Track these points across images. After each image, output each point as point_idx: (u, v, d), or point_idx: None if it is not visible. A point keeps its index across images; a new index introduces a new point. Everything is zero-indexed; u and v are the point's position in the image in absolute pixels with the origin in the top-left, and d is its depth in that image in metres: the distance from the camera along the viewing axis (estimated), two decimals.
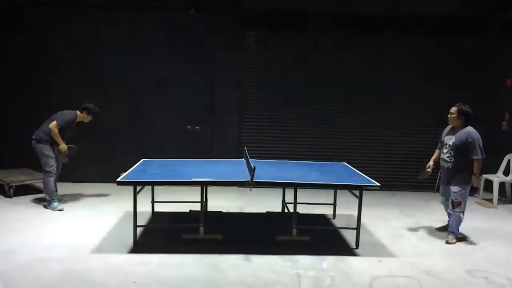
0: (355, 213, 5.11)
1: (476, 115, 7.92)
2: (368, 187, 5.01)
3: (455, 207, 5.30)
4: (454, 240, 5.39)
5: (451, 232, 5.41)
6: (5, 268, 4.32)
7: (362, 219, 5.16)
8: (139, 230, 5.18)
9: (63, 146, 6.12)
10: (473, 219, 6.46)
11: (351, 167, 6.13)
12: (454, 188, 5.29)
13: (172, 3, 7.72)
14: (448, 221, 5.55)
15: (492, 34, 7.88)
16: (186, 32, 7.84)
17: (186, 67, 7.91)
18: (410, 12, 7.76)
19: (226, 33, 7.86)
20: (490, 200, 7.35)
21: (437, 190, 7.02)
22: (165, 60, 7.88)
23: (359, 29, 7.90)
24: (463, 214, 5.35)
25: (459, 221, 5.36)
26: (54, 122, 6.08)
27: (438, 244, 5.38)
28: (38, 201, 6.63)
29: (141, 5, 7.69)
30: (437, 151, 5.70)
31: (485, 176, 7.50)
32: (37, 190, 7.15)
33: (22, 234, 5.26)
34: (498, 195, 7.27)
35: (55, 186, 6.32)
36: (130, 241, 5.00)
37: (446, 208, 5.57)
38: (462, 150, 5.22)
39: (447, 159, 5.35)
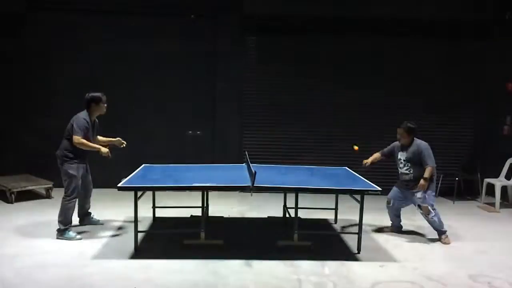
0: (357, 217, 5.10)
1: (479, 119, 8.05)
2: (369, 192, 5.00)
3: (426, 212, 5.48)
4: (448, 238, 5.53)
5: (441, 232, 5.56)
6: (5, 273, 4.32)
7: (364, 224, 5.15)
8: (140, 235, 5.17)
9: (104, 150, 5.28)
10: (475, 223, 6.45)
11: (352, 172, 6.12)
12: (418, 194, 5.49)
13: (172, 8, 7.74)
14: (393, 224, 5.90)
15: (493, 37, 7.88)
16: (187, 37, 7.86)
17: (187, 72, 7.94)
18: (412, 15, 7.77)
19: (227, 38, 7.88)
20: (492, 204, 7.32)
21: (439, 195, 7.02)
22: (166, 65, 7.90)
23: (360, 32, 7.91)
24: (437, 213, 5.49)
25: (438, 220, 5.51)
26: (75, 137, 5.16)
27: (440, 248, 5.35)
28: (39, 206, 6.64)
29: (141, 11, 7.72)
30: (378, 154, 5.89)
31: (487, 180, 7.49)
32: (38, 196, 7.16)
33: (23, 239, 5.26)
34: (500, 199, 7.24)
35: (85, 208, 5.78)
36: (131, 247, 4.99)
37: (393, 212, 5.82)
38: (416, 161, 5.51)
39: (406, 171, 5.61)
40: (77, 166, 5.30)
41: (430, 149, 5.52)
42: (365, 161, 5.83)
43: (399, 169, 5.73)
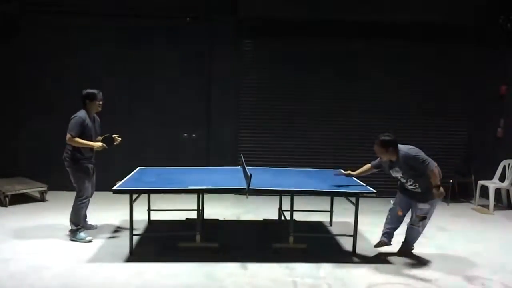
0: (352, 220, 5.11)
1: (473, 122, 8.10)
2: (364, 194, 5.02)
3: (418, 219, 4.91)
4: (406, 252, 5.14)
5: (408, 246, 5.14)
6: (0, 277, 4.29)
7: (359, 226, 5.17)
8: (135, 238, 5.15)
9: (97, 144, 5.27)
10: (469, 225, 6.48)
11: None
12: (420, 205, 4.89)
13: (168, 11, 7.73)
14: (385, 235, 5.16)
15: (488, 41, 7.92)
16: (182, 40, 7.86)
17: (182, 75, 7.92)
18: (408, 19, 7.78)
19: (223, 40, 7.88)
20: (486, 206, 7.36)
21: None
22: (161, 68, 7.89)
23: (357, 36, 7.92)
24: (423, 226, 5.01)
25: (418, 234, 5.06)
26: (68, 135, 5.14)
27: (435, 251, 5.37)
28: (33, 209, 6.62)
29: (136, 13, 7.71)
30: (368, 167, 5.32)
31: (481, 182, 7.52)
32: (32, 199, 7.13)
33: (17, 242, 5.24)
34: (494, 201, 7.28)
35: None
36: (126, 250, 4.97)
37: (393, 219, 5.13)
38: (415, 173, 4.80)
39: (413, 186, 4.91)
40: (86, 167, 5.31)
41: (418, 150, 4.81)
42: (349, 172, 5.37)
43: (403, 183, 5.02)
